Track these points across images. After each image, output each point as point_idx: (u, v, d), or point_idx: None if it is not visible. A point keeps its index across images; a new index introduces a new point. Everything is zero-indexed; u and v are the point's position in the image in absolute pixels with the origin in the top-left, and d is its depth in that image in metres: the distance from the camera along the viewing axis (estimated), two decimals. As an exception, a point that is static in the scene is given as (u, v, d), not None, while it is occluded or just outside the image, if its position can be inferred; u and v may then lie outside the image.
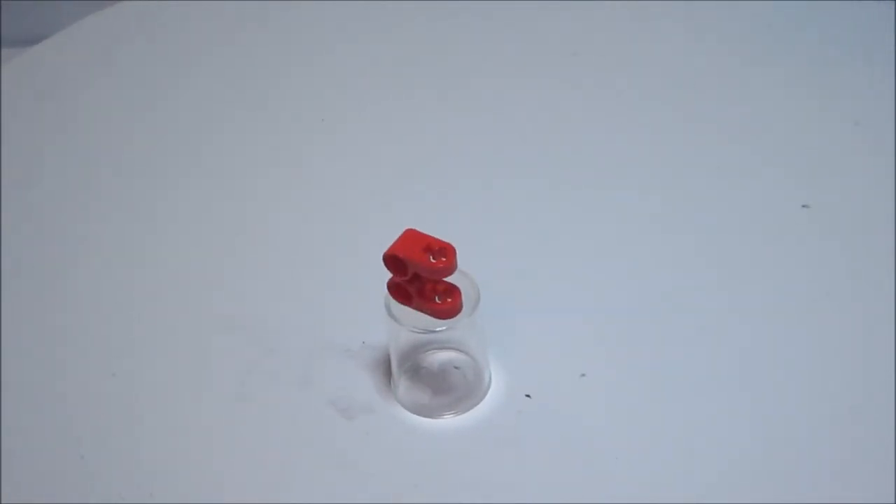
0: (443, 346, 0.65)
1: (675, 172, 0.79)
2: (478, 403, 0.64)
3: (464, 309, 0.61)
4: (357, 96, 0.87)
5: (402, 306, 0.61)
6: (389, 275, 0.60)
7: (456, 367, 0.66)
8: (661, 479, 0.60)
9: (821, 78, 0.86)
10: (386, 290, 0.61)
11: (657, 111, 0.84)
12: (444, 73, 0.89)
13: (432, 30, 0.94)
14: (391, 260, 0.59)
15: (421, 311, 0.60)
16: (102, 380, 0.66)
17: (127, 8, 0.98)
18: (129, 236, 0.76)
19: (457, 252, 0.59)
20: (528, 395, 0.63)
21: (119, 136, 0.85)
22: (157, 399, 0.65)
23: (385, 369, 0.65)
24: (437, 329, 0.61)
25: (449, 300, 0.60)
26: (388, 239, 0.60)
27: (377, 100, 0.87)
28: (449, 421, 0.63)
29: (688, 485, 0.60)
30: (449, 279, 0.60)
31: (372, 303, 0.62)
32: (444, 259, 0.59)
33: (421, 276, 0.59)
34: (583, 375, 0.65)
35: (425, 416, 0.64)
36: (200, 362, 0.67)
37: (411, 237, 0.60)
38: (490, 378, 0.65)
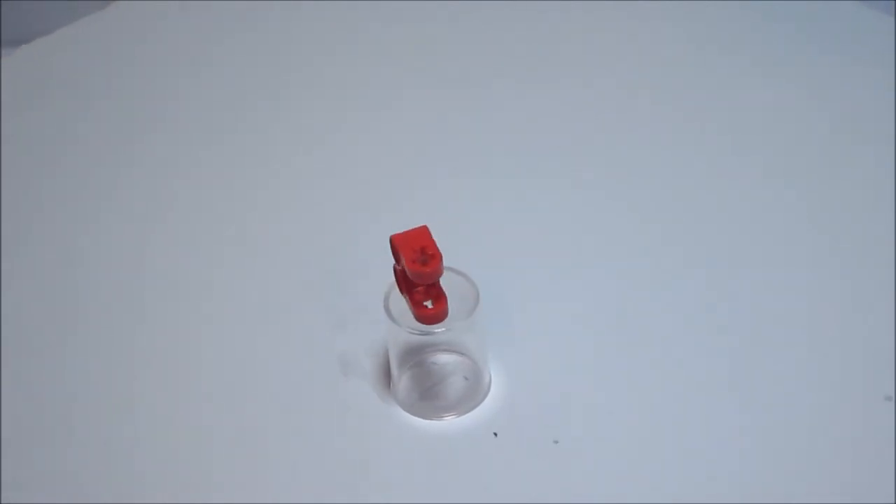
0: (442, 348, 0.66)
1: (674, 172, 0.79)
2: (478, 405, 0.64)
3: (463, 310, 0.61)
4: (355, 96, 0.88)
5: (401, 307, 0.61)
6: (383, 276, 0.61)
7: (456, 369, 0.66)
8: (661, 480, 0.60)
9: (820, 78, 0.86)
10: (386, 293, 0.61)
11: (654, 110, 0.84)
12: (441, 72, 0.89)
13: (432, 30, 0.94)
14: (391, 244, 0.59)
15: (410, 310, 0.60)
16: (101, 383, 0.66)
17: (125, 8, 0.98)
18: (124, 236, 0.76)
19: (443, 260, 0.58)
20: (495, 434, 0.63)
21: (115, 136, 0.85)
22: (155, 404, 0.65)
23: (385, 371, 0.65)
24: (437, 330, 0.61)
25: (434, 306, 0.60)
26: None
27: (376, 99, 0.87)
28: (449, 422, 0.63)
29: (689, 485, 0.60)
30: (444, 285, 0.60)
31: (371, 304, 0.63)
32: (427, 264, 0.58)
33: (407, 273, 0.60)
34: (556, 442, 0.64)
35: (425, 417, 0.64)
36: (195, 368, 0.67)
37: (418, 234, 0.59)
38: (490, 379, 0.65)
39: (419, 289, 0.60)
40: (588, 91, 0.87)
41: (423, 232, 0.60)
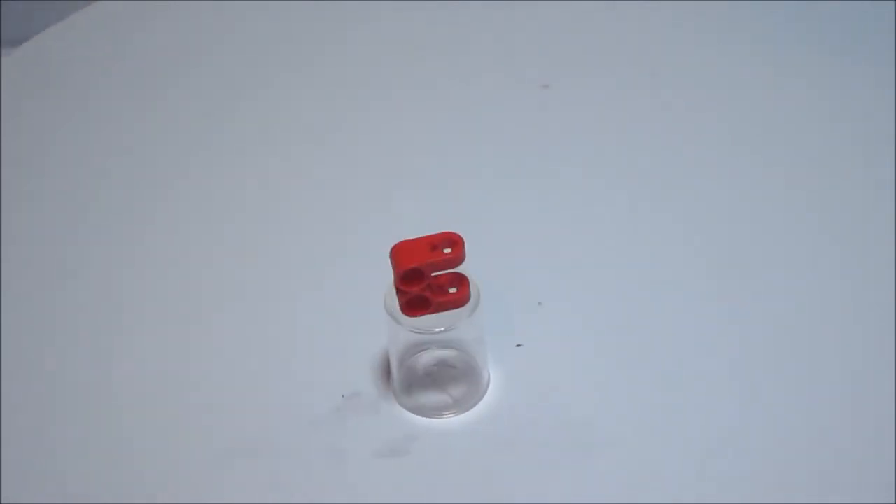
0: (442, 346, 0.66)
1: (675, 172, 0.79)
2: (477, 403, 0.64)
3: (464, 309, 0.61)
4: (347, 98, 0.87)
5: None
6: (384, 275, 0.60)
7: (455, 367, 0.66)
8: (661, 480, 0.61)
9: (820, 78, 0.86)
10: (386, 292, 0.61)
11: (652, 108, 0.84)
12: (439, 72, 0.89)
13: (428, 30, 0.94)
14: (409, 275, 0.59)
15: (440, 310, 0.60)
16: (102, 384, 0.66)
17: (116, 6, 0.97)
18: (127, 237, 0.76)
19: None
20: (518, 345, 0.63)
21: (117, 136, 0.85)
22: (153, 403, 0.65)
23: (384, 369, 0.65)
24: (437, 329, 0.61)
25: (459, 288, 0.60)
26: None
27: (368, 101, 0.87)
28: (448, 420, 0.63)
29: (688, 485, 0.60)
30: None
31: (371, 302, 0.63)
32: (454, 248, 0.59)
33: (431, 276, 0.59)
34: (539, 304, 0.66)
35: (424, 415, 0.64)
36: (194, 366, 0.67)
37: (408, 247, 0.59)
38: (489, 378, 0.65)
39: (432, 283, 0.60)
40: (588, 91, 0.86)
41: (406, 245, 0.59)
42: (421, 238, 0.59)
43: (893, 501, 0.58)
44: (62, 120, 0.86)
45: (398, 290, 0.60)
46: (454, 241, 0.59)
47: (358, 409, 0.64)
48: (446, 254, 0.59)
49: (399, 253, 0.59)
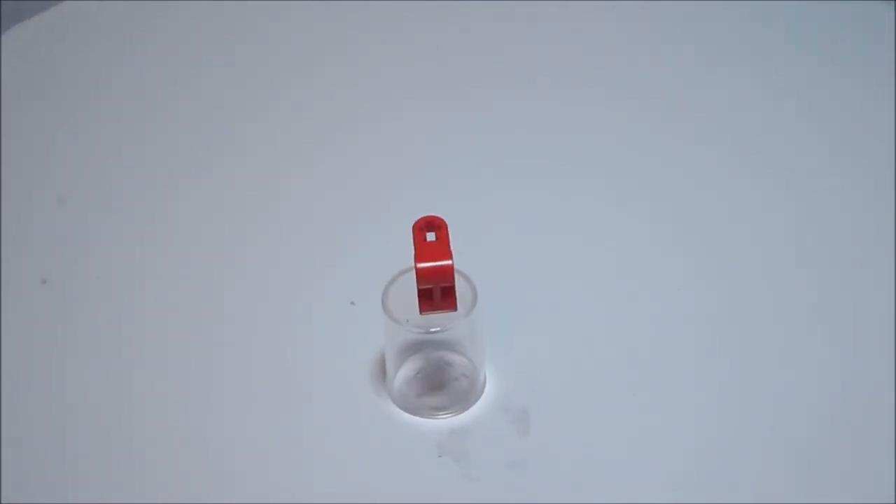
0: (439, 347, 0.65)
1: (673, 173, 0.79)
2: (473, 404, 0.64)
3: (461, 310, 0.61)
4: (346, 98, 0.87)
5: (399, 305, 0.61)
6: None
7: (452, 368, 0.65)
8: (661, 479, 0.60)
9: (820, 78, 0.86)
10: (383, 290, 0.61)
11: (652, 110, 0.84)
12: (440, 71, 0.89)
13: (428, 29, 0.94)
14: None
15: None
16: (101, 383, 0.66)
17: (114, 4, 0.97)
18: (116, 241, 0.76)
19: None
20: (352, 303, 0.64)
21: (105, 139, 0.85)
22: (152, 401, 0.65)
23: (381, 369, 0.65)
24: (434, 329, 0.61)
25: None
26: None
27: (366, 101, 0.86)
28: (445, 421, 0.63)
29: (687, 486, 0.60)
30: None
31: (368, 301, 0.62)
32: (437, 229, 0.60)
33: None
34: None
35: (421, 416, 0.63)
36: (192, 364, 0.67)
37: (424, 257, 0.59)
38: (485, 379, 0.65)
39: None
40: (588, 91, 0.86)
41: (423, 258, 0.59)
42: (417, 246, 0.60)
43: (893, 502, 0.58)
44: (59, 118, 0.86)
45: (448, 290, 0.60)
46: (429, 223, 0.60)
47: (462, 453, 0.63)
48: (442, 234, 0.60)
49: (428, 266, 0.59)
